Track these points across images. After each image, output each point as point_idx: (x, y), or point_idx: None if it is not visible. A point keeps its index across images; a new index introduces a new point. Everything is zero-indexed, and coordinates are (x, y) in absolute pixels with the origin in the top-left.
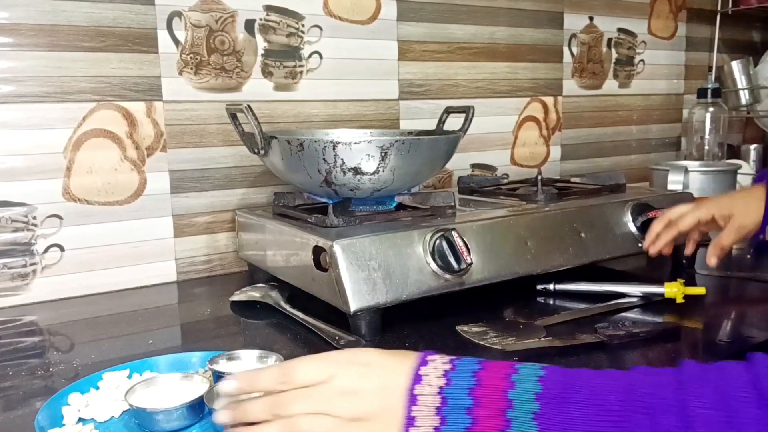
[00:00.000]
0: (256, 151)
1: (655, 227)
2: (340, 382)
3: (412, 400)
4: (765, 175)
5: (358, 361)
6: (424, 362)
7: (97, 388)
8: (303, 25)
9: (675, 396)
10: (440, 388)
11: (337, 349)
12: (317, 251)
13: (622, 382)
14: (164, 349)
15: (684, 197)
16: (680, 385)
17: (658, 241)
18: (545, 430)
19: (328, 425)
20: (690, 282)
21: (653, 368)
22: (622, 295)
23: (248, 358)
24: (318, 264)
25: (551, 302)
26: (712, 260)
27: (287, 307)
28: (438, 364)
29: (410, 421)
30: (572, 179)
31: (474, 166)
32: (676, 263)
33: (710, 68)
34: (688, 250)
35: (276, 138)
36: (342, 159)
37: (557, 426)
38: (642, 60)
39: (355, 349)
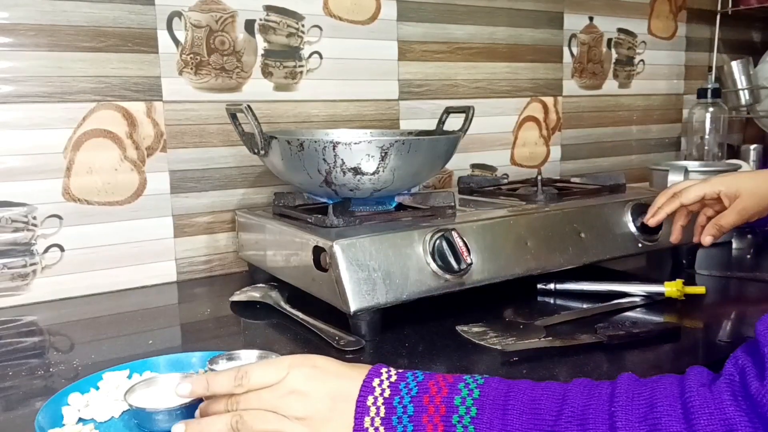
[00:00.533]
0: (256, 151)
1: (659, 199)
2: (292, 382)
3: (362, 409)
4: None
5: (312, 365)
6: (375, 374)
7: (97, 388)
8: (303, 25)
9: (606, 408)
10: (387, 398)
11: (338, 349)
12: (317, 251)
13: (558, 393)
14: (164, 349)
15: None
16: (612, 399)
17: (659, 212)
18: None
19: (274, 422)
20: (690, 282)
21: (592, 381)
22: (623, 295)
23: (248, 358)
24: (318, 264)
25: (551, 302)
26: (707, 239)
27: (287, 308)
28: (386, 376)
29: (360, 428)
30: (572, 179)
31: (474, 166)
32: (676, 263)
33: (710, 68)
34: (696, 238)
35: (276, 138)
36: (342, 159)
37: (495, 428)
38: (642, 60)
39: (311, 355)
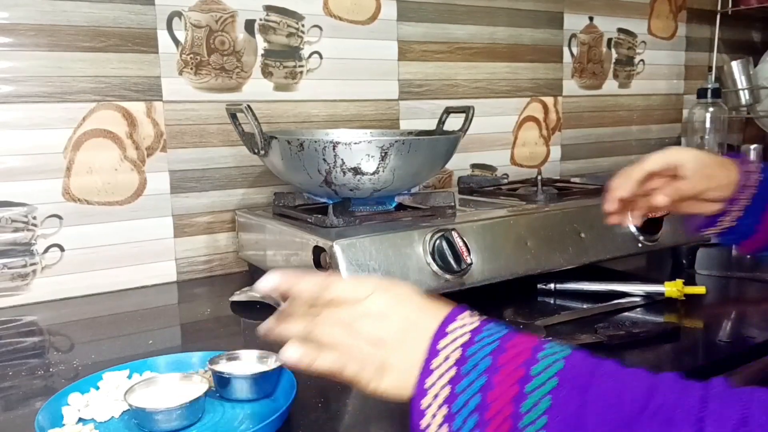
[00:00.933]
0: (256, 151)
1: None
2: (371, 304)
3: (434, 350)
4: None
5: (395, 291)
6: (457, 312)
7: (97, 388)
8: (303, 25)
9: (695, 413)
10: (462, 344)
11: None
12: (317, 251)
13: (645, 383)
14: (164, 349)
15: None
16: (703, 403)
17: (613, 191)
18: (557, 407)
19: (342, 339)
20: (690, 282)
21: (682, 379)
22: (623, 295)
23: (248, 358)
24: (318, 264)
25: (551, 302)
26: (659, 198)
27: None
28: (468, 320)
29: (427, 371)
30: (572, 179)
31: (474, 166)
32: (676, 263)
33: (710, 68)
34: (636, 218)
35: (276, 138)
36: (342, 159)
37: (571, 407)
38: (642, 60)
39: (397, 282)
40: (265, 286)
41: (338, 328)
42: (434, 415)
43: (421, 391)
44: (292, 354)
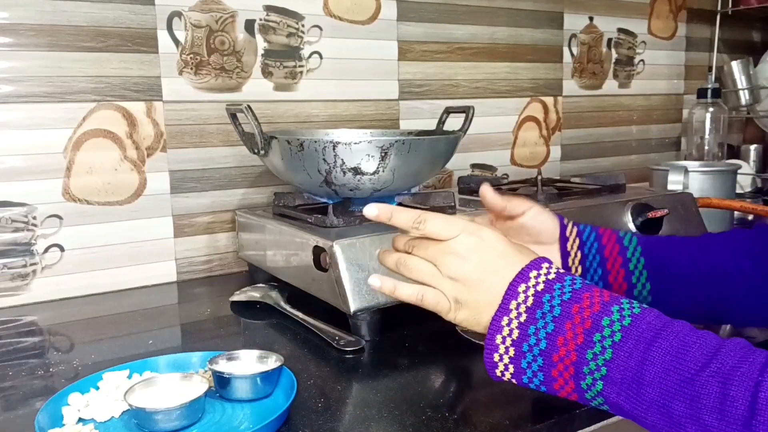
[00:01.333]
0: (256, 151)
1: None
2: (457, 245)
3: (512, 293)
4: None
5: (481, 236)
6: (535, 266)
7: (97, 388)
8: (303, 25)
9: (755, 376)
10: (538, 292)
11: (337, 350)
12: (317, 251)
13: (711, 345)
14: (164, 349)
15: (684, 197)
16: (764, 368)
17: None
18: (618, 359)
19: (428, 273)
20: None
21: (750, 345)
22: None
23: (248, 358)
24: (318, 264)
25: None
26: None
27: (287, 308)
28: (545, 271)
29: (505, 309)
30: (572, 179)
31: (474, 166)
32: None
33: (710, 68)
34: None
35: (276, 138)
36: (342, 159)
37: (631, 361)
38: (642, 60)
39: (484, 228)
40: (369, 215)
41: (424, 262)
42: (506, 350)
43: (497, 327)
44: (375, 281)
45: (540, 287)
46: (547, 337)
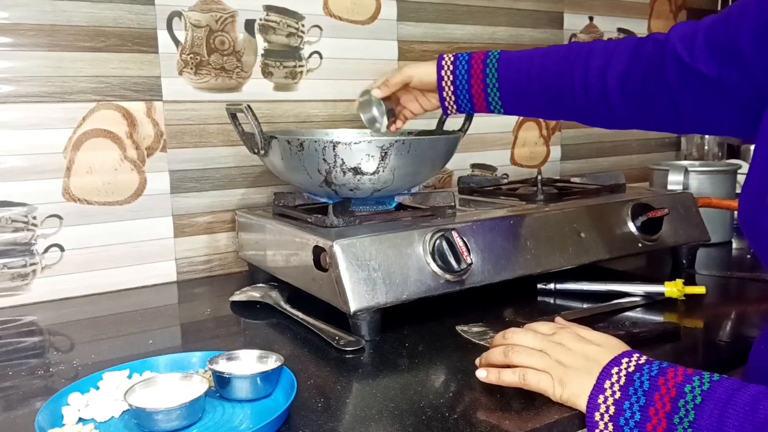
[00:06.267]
0: (256, 151)
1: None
2: (562, 337)
3: (606, 375)
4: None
5: (577, 333)
6: (626, 355)
7: (97, 388)
8: (303, 25)
9: None
10: (630, 372)
11: (337, 350)
12: (317, 251)
13: None
14: (164, 349)
15: (684, 197)
16: None
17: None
18: (699, 419)
19: (538, 358)
20: (690, 282)
21: None
22: (623, 295)
23: (248, 358)
24: (318, 264)
25: (551, 302)
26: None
27: (287, 307)
28: (636, 357)
29: (599, 389)
30: (572, 179)
31: (474, 166)
32: (676, 263)
33: None
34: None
35: (276, 138)
36: (342, 159)
37: (711, 419)
38: None
39: (576, 326)
40: (480, 377)
41: (535, 351)
42: (605, 426)
43: (594, 405)
44: (481, 373)
45: (631, 368)
46: (640, 409)
